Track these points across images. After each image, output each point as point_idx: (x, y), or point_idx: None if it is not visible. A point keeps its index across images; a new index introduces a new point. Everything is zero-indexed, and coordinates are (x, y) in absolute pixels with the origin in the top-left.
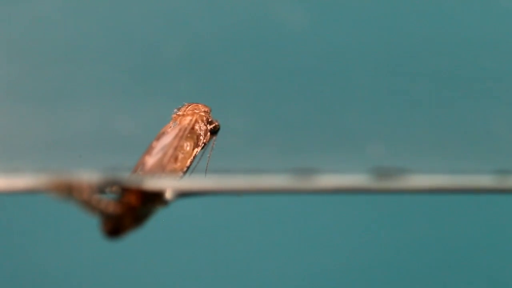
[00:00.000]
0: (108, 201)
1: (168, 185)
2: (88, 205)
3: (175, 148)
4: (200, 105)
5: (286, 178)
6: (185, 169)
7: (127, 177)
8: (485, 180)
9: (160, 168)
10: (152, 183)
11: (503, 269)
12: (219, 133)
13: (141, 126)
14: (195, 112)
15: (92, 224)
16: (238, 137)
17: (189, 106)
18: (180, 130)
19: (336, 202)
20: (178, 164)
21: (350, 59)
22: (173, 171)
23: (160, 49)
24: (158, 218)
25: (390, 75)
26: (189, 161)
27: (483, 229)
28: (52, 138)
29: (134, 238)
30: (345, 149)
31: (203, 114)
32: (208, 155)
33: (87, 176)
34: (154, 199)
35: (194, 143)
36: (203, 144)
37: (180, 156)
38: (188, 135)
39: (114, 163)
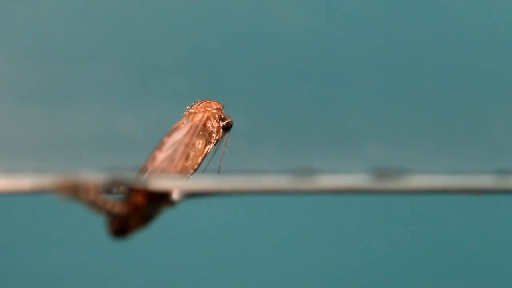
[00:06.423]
0: (115, 201)
1: (174, 185)
2: (94, 205)
3: (186, 145)
4: (212, 102)
5: (286, 178)
6: (196, 166)
7: (134, 177)
8: (485, 180)
9: (170, 164)
10: (159, 183)
11: (503, 269)
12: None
13: (141, 126)
14: (206, 110)
15: (98, 224)
16: (238, 137)
17: (201, 103)
18: (191, 127)
19: (336, 202)
20: (189, 162)
21: (350, 59)
22: (184, 169)
23: (160, 49)
24: (165, 218)
25: (390, 75)
26: (200, 158)
27: (483, 229)
28: (52, 138)
29: (140, 238)
30: (345, 149)
31: (215, 111)
32: (222, 152)
33: (93, 176)
34: (161, 199)
35: (206, 140)
36: (215, 141)
37: (192, 154)
38: (200, 132)
39: (114, 163)
